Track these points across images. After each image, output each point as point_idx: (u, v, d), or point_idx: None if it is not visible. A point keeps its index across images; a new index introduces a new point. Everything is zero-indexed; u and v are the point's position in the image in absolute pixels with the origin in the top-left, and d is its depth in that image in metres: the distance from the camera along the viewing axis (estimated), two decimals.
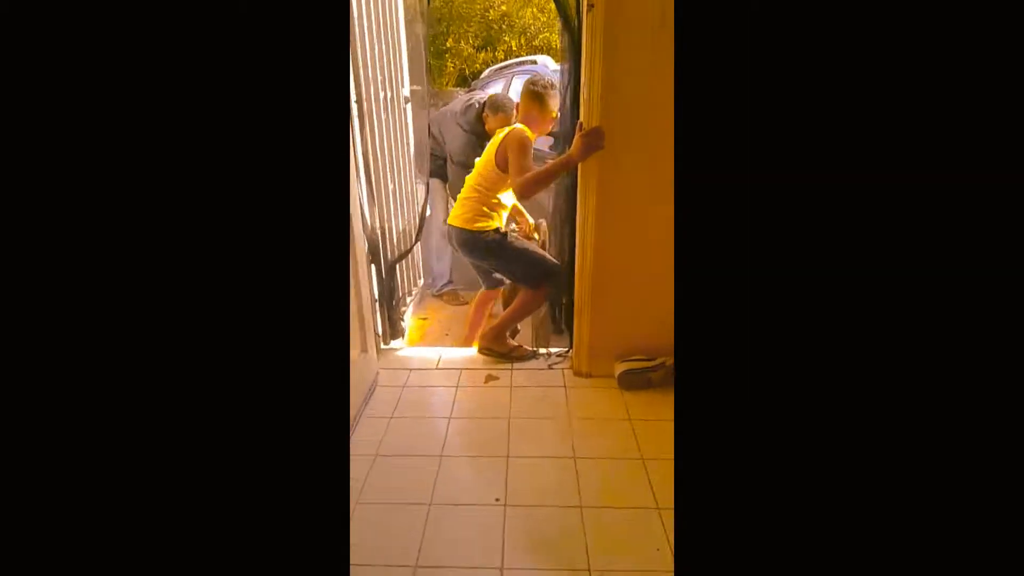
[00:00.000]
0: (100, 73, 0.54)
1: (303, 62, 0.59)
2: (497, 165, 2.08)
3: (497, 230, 2.17)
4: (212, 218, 0.58)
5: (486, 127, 2.70)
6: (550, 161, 1.91)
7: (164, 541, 0.57)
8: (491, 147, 2.16)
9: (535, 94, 2.07)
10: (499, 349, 2.16)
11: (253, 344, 0.59)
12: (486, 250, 2.18)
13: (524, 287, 2.19)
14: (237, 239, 0.58)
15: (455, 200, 2.28)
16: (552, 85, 2.08)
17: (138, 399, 0.56)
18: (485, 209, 2.15)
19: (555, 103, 2.06)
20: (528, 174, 1.93)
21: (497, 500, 1.45)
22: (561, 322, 2.25)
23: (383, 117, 2.26)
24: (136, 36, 0.54)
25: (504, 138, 2.06)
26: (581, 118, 1.77)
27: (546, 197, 2.32)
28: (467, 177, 2.23)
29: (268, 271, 0.59)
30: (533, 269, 2.15)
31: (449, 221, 2.25)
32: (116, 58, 0.54)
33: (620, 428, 1.73)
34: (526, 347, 2.21)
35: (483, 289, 2.52)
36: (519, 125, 2.07)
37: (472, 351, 2.24)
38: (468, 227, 2.15)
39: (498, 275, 2.41)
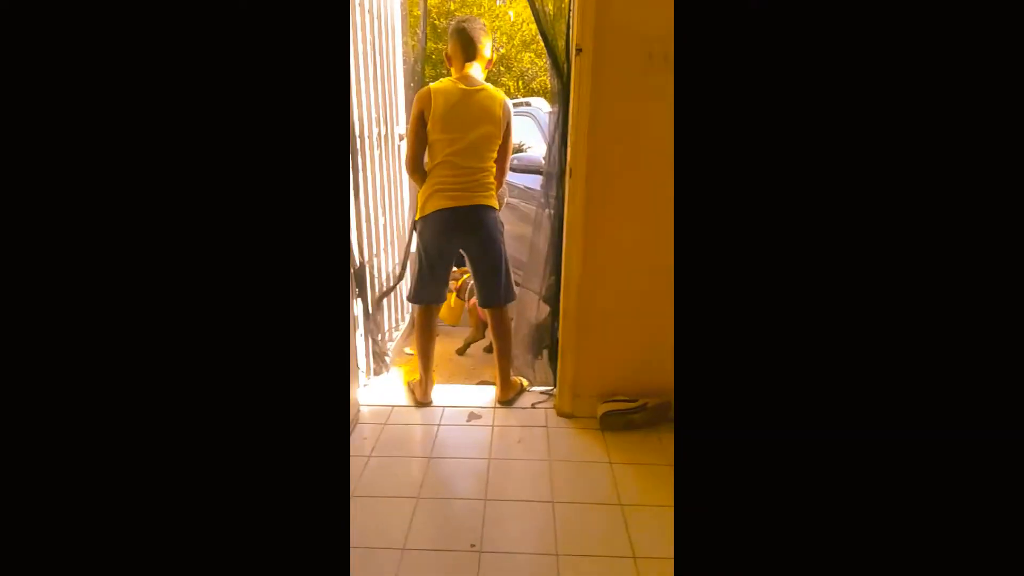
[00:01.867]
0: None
1: (302, 83, 0.59)
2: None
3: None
4: (210, 233, 0.58)
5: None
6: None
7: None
8: (484, 108, 1.89)
9: (462, 31, 1.91)
10: (516, 393, 2.15)
11: (254, 358, 0.59)
12: (495, 231, 1.99)
13: (495, 302, 2.05)
14: (238, 255, 0.58)
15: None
16: (481, 25, 1.97)
17: (137, 405, 0.57)
18: (493, 183, 2.01)
19: (488, 41, 1.95)
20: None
21: (473, 546, 1.43)
22: (537, 351, 2.22)
23: (377, 153, 2.29)
24: (141, 51, 0.55)
25: (507, 109, 1.94)
26: (568, 161, 1.79)
27: (532, 233, 2.31)
28: (455, 146, 1.87)
29: (268, 284, 0.60)
30: (509, 275, 2.07)
31: (459, 203, 1.90)
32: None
33: (600, 472, 1.71)
34: (519, 379, 2.20)
35: (418, 306, 2.10)
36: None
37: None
38: (489, 203, 1.97)
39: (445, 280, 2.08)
